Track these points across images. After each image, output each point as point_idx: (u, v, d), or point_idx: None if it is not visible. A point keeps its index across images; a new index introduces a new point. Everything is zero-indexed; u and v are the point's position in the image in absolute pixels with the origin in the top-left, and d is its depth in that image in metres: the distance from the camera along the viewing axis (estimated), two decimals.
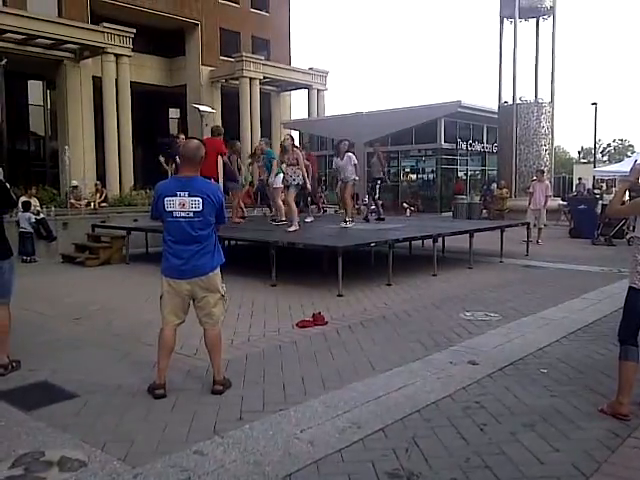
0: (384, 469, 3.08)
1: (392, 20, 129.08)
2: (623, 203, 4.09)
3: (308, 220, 12.28)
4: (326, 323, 6.20)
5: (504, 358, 4.94)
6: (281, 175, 10.72)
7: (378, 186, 13.47)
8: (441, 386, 4.30)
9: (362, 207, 20.46)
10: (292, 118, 32.38)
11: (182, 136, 11.51)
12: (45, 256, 12.09)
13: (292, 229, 9.95)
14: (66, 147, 19.39)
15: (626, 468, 3.11)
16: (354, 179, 11.25)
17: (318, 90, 31.11)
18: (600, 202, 15.30)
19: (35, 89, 25.01)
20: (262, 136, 27.01)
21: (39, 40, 20.90)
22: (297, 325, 6.13)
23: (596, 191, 17.53)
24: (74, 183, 17.95)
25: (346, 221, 11.18)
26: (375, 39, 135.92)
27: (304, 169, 10.47)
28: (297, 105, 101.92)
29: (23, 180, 17.46)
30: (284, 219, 11.04)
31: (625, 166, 20.98)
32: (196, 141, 4.33)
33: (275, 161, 11.22)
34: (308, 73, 30.67)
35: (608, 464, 3.14)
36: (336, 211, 16.49)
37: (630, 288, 3.82)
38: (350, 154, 11.35)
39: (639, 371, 3.81)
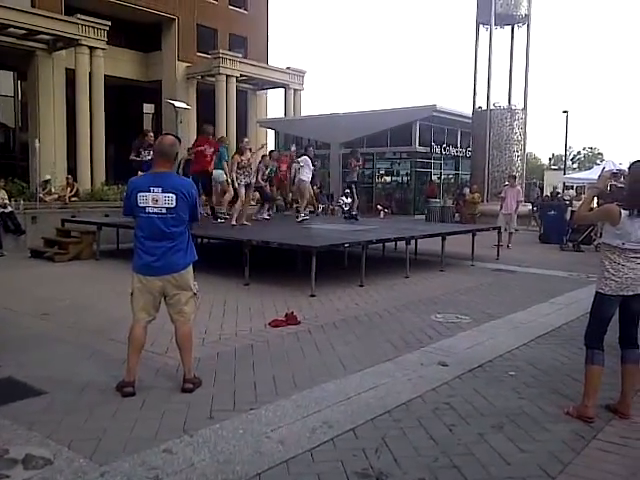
0: (354, 469, 3.10)
1: (370, 23, 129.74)
2: (591, 210, 4.18)
3: (266, 217, 12.91)
4: (299, 323, 6.19)
5: (473, 360, 5.00)
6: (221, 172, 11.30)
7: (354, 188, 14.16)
8: (411, 387, 4.33)
9: (336, 207, 20.53)
10: (268, 117, 32.29)
11: (150, 133, 11.47)
12: (13, 250, 11.84)
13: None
14: (36, 140, 19.01)
15: (590, 469, 3.18)
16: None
17: (295, 90, 31.08)
18: (569, 208, 15.56)
19: (5, 80, 24.45)
20: (238, 134, 26.94)
21: (11, 30, 20.47)
22: (269, 324, 6.11)
23: (562, 197, 17.83)
24: (47, 177, 17.61)
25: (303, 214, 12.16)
26: (353, 41, 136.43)
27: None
28: (273, 104, 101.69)
29: None
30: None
31: (594, 173, 21.40)
32: (171, 137, 4.30)
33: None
34: (285, 72, 30.61)
35: (573, 465, 3.20)
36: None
37: (597, 293, 3.90)
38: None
39: (604, 375, 3.89)
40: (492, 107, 21.97)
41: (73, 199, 17.15)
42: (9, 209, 12.39)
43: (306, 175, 12.19)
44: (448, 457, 3.25)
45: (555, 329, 6.22)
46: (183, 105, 22.50)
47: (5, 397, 3.97)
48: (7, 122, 25.13)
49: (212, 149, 11.38)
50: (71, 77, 22.45)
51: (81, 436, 3.39)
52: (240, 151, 11.17)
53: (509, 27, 22.60)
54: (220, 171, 11.25)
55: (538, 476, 3.08)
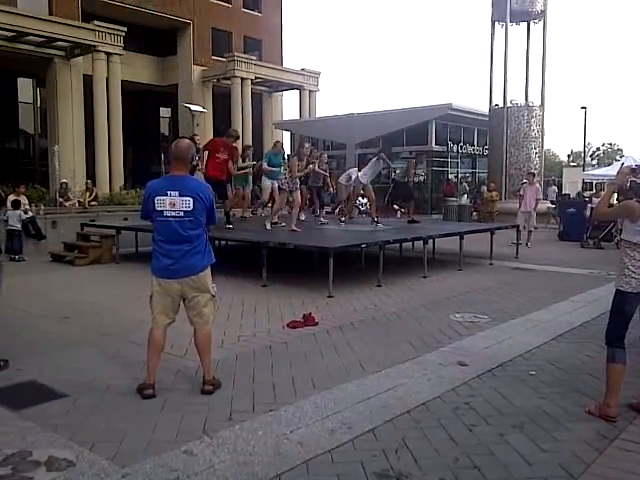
0: (374, 470, 3.09)
1: (384, 22, 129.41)
2: (611, 206, 4.14)
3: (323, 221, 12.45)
4: (316, 324, 6.20)
5: (493, 360, 4.97)
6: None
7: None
8: (430, 387, 4.31)
9: (353, 208, 20.44)
10: (284, 119, 32.35)
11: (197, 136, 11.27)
12: (34, 255, 11.99)
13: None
14: (56, 146, 19.26)
15: (613, 469, 3.14)
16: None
17: (310, 91, 31.09)
18: (589, 205, 15.39)
19: (25, 87, 24.83)
20: (254, 137, 27.06)
21: (29, 37, 20.73)
22: (287, 325, 6.12)
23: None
24: (63, 180, 17.83)
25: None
26: (367, 41, 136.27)
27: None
28: (289, 106, 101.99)
29: (12, 178, 17.32)
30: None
31: (613, 170, 21.12)
32: (187, 140, 4.36)
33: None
34: (300, 74, 30.64)
35: (596, 465, 3.16)
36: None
37: (617, 291, 3.85)
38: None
39: (626, 373, 3.84)
40: (509, 104, 21.78)
41: (92, 203, 17.36)
42: (30, 214, 12.56)
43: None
44: (469, 457, 3.23)
45: (575, 327, 6.15)
46: (199, 108, 22.67)
47: (28, 400, 4.02)
48: (27, 128, 25.50)
49: (227, 154, 10.41)
50: (89, 83, 22.68)
51: (103, 438, 3.43)
52: (300, 156, 10.81)
53: (525, 24, 22.41)
54: (268, 182, 10.99)
55: (560, 476, 3.05)
